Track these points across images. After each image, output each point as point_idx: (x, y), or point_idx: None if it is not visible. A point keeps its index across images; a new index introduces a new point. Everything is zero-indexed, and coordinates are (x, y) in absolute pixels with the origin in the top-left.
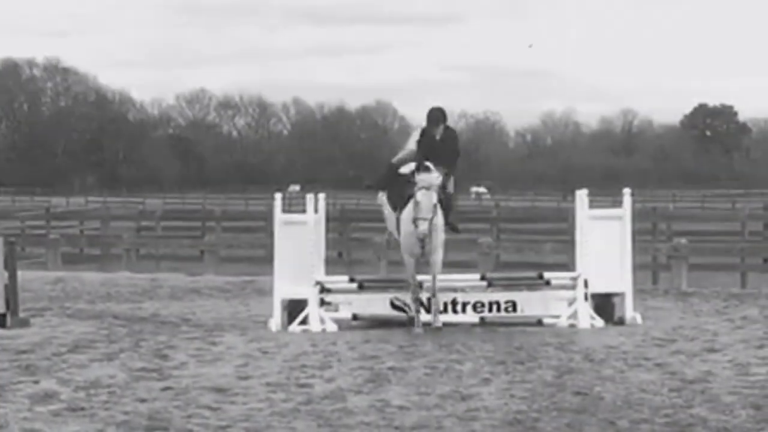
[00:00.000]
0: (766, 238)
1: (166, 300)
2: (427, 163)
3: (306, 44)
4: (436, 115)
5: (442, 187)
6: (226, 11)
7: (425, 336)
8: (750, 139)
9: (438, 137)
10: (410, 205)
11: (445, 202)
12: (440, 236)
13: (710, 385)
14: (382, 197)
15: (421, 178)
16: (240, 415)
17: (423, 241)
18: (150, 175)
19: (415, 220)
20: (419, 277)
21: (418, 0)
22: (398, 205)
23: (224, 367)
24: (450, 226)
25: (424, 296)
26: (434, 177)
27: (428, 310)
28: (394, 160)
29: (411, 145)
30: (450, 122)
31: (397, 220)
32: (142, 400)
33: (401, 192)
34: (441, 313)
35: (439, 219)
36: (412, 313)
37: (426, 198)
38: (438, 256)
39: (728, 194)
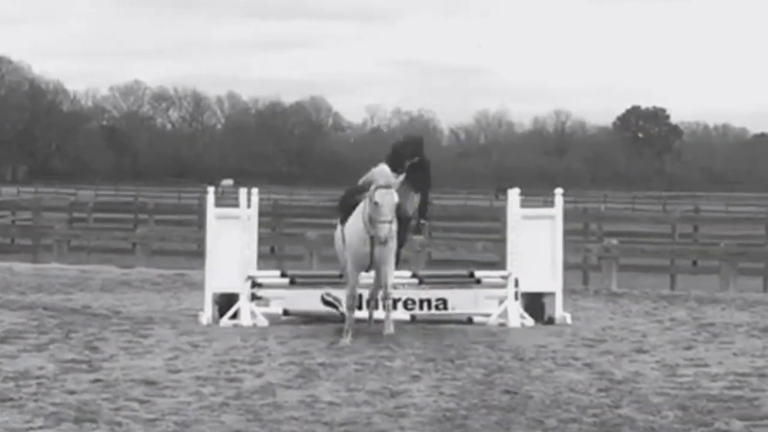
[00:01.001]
0: (696, 240)
1: (97, 292)
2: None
3: (241, 38)
4: (412, 149)
5: (400, 210)
6: (162, 3)
7: (356, 332)
8: (682, 141)
9: (407, 164)
10: (358, 212)
11: (402, 229)
12: (393, 246)
13: (638, 386)
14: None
15: (380, 172)
16: (169, 409)
17: (375, 248)
18: (83, 166)
19: (372, 222)
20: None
21: None
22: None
23: (154, 360)
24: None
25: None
26: (393, 176)
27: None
28: (360, 182)
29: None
30: (384, 119)
31: (342, 233)
32: (71, 392)
33: (351, 204)
34: (374, 309)
35: (394, 226)
36: (347, 323)
37: (387, 197)
38: (390, 268)
39: (659, 196)
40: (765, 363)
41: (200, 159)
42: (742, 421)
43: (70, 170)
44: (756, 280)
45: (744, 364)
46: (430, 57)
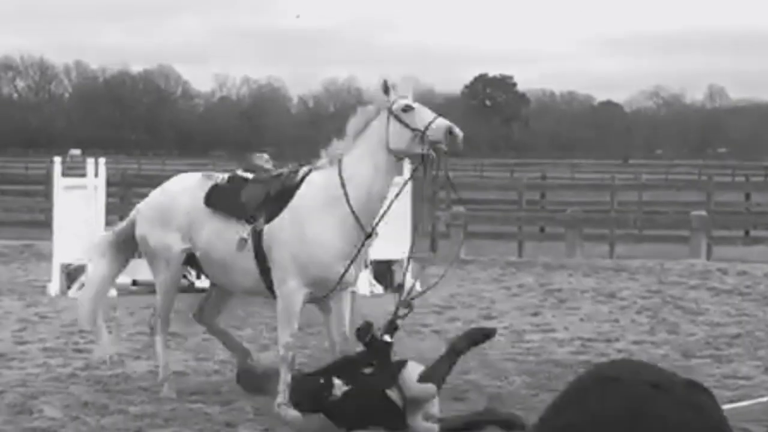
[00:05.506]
0: (543, 207)
1: None
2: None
3: (89, 6)
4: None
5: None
6: None
7: None
8: (528, 109)
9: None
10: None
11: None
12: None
13: (486, 352)
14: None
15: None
16: (16, 380)
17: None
18: None
19: None
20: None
21: None
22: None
23: (1, 331)
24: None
25: None
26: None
27: None
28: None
29: None
30: (232, 88)
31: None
32: None
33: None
34: None
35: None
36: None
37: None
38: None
39: (506, 163)
40: (610, 328)
41: (47, 128)
42: None
43: None
44: (601, 246)
45: (590, 330)
46: (274, 23)
